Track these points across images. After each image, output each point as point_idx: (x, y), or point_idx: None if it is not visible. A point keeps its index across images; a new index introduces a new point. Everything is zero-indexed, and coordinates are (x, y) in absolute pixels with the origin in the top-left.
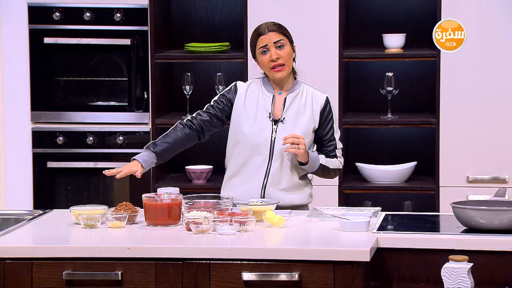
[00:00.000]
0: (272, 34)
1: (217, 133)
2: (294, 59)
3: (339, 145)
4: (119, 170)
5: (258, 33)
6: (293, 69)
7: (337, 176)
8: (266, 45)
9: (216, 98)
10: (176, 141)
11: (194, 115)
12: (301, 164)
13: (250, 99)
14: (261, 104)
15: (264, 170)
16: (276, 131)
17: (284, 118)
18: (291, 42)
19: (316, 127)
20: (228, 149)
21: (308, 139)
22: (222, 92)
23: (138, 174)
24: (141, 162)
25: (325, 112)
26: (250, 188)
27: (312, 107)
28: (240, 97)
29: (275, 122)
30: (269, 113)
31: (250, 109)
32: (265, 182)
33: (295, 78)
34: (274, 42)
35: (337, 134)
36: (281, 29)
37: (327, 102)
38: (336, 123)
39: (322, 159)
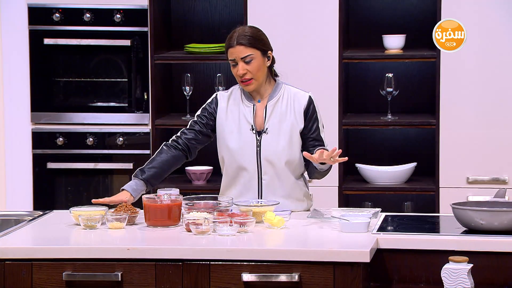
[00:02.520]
0: (240, 49)
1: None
2: (273, 64)
3: (326, 143)
4: (107, 199)
5: (228, 44)
6: (274, 72)
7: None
8: (234, 59)
9: (198, 112)
10: (164, 165)
11: (178, 134)
12: (321, 164)
13: (231, 112)
14: (243, 116)
15: (256, 184)
16: (260, 142)
17: (267, 128)
18: (263, 52)
19: (302, 127)
20: (219, 160)
21: (296, 144)
22: (204, 106)
23: None
24: (130, 191)
25: (309, 111)
26: (247, 197)
27: (295, 109)
28: (221, 110)
29: (259, 133)
30: (252, 125)
31: (233, 122)
32: (260, 195)
33: (275, 81)
34: (242, 58)
35: (323, 133)
36: (250, 42)
37: (310, 101)
38: (321, 122)
39: None
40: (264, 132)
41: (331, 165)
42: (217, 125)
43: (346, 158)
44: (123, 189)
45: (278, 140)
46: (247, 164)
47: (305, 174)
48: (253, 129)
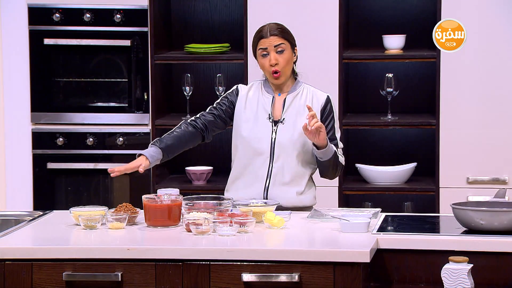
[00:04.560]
0: (273, 38)
1: (217, 134)
2: (295, 62)
3: (340, 144)
4: (121, 168)
5: (260, 35)
6: (293, 70)
7: (337, 177)
8: (266, 48)
9: (218, 100)
10: (181, 139)
11: (197, 115)
12: (318, 148)
13: (250, 101)
14: (261, 105)
15: (266, 171)
16: (276, 132)
17: (284, 118)
18: (292, 46)
19: None
20: (232, 151)
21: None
22: (224, 95)
23: (141, 169)
24: (147, 156)
25: (326, 111)
26: (253, 190)
27: (312, 106)
28: (241, 99)
29: (275, 123)
30: (269, 114)
31: (250, 111)
32: (267, 183)
33: (295, 79)
34: (275, 46)
35: (338, 134)
36: (283, 33)
37: (328, 101)
38: (337, 122)
39: (334, 148)
40: (281, 122)
41: (334, 159)
42: (235, 113)
43: (318, 124)
44: (140, 154)
45: (293, 131)
46: (261, 149)
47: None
48: (270, 118)
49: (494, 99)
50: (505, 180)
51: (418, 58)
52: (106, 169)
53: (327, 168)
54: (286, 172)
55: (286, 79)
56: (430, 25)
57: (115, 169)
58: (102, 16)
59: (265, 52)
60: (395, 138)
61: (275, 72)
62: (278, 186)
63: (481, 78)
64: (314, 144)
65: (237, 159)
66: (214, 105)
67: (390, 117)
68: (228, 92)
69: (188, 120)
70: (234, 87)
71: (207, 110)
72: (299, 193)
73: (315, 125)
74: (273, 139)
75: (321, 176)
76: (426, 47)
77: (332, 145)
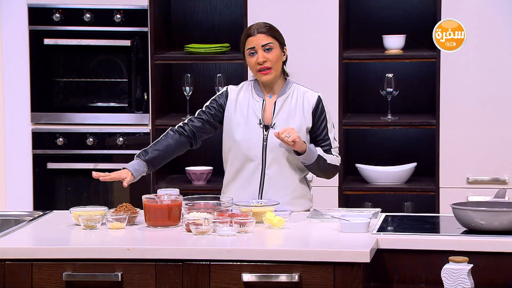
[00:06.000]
0: (261, 37)
1: (217, 134)
2: (285, 62)
3: (335, 143)
4: (108, 174)
5: (247, 34)
6: (284, 71)
7: (335, 176)
8: (254, 47)
9: (207, 103)
10: (168, 149)
11: (186, 121)
12: (298, 154)
13: (241, 105)
14: (252, 109)
15: (259, 177)
16: (267, 137)
17: (274, 123)
18: (281, 44)
19: (310, 126)
20: (223, 154)
21: (303, 140)
22: (213, 97)
23: (125, 184)
24: (132, 171)
25: (318, 111)
26: (248, 194)
27: (303, 108)
28: (231, 102)
29: (266, 128)
30: (260, 119)
31: (241, 115)
32: (261, 189)
33: (285, 79)
34: (262, 45)
35: (332, 133)
36: (271, 32)
37: (319, 101)
38: (330, 121)
39: (320, 151)
40: (272, 127)
41: (318, 162)
42: (225, 117)
43: (285, 138)
44: (124, 168)
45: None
46: (253, 155)
47: (308, 176)
48: (260, 124)
49: (494, 99)
50: (505, 180)
51: (418, 58)
52: (106, 170)
53: (314, 171)
54: (279, 178)
55: (275, 77)
56: (430, 25)
57: (100, 175)
58: (102, 16)
59: (253, 51)
60: (395, 138)
61: (263, 69)
62: (272, 193)
63: (481, 78)
64: (294, 150)
65: (229, 163)
66: (203, 108)
67: (390, 117)
68: (217, 94)
69: (176, 127)
70: (224, 88)
71: (195, 115)
72: (293, 198)
73: (281, 136)
74: (264, 145)
75: (317, 176)
76: (426, 47)
77: (318, 148)
